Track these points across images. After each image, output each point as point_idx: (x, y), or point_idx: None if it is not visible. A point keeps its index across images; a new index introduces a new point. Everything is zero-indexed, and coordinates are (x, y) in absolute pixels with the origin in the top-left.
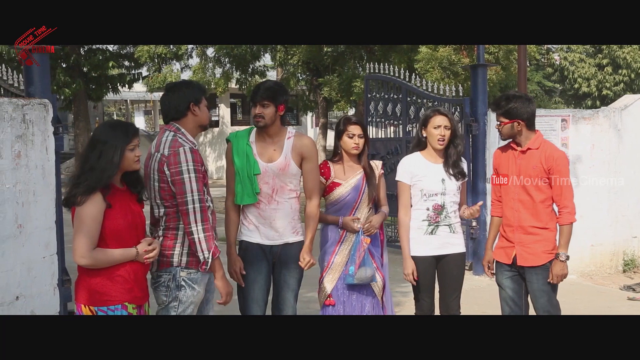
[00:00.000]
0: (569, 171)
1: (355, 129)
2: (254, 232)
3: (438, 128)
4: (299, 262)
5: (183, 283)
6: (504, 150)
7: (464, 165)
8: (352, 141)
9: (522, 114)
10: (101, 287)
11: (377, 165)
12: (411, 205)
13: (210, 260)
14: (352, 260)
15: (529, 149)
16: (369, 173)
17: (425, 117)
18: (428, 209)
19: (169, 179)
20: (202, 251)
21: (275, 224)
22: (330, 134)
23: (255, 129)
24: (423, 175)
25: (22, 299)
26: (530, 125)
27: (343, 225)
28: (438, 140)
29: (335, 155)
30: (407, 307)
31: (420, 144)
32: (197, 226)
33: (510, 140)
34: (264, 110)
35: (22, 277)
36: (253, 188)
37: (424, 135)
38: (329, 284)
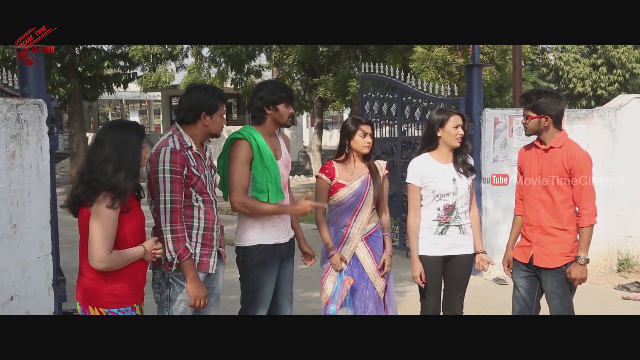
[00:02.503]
0: (591, 172)
1: (367, 128)
2: (271, 232)
3: (458, 127)
4: (310, 258)
5: (171, 281)
6: (528, 148)
7: (472, 161)
8: (365, 140)
9: (551, 110)
10: (112, 290)
11: (381, 165)
12: (421, 206)
13: (175, 261)
14: (333, 300)
15: (551, 147)
16: (375, 173)
17: (442, 117)
18: (439, 209)
19: (150, 178)
20: (169, 252)
21: (288, 220)
22: (326, 134)
23: (254, 129)
24: (434, 177)
25: (17, 299)
26: (557, 123)
27: (331, 260)
28: (457, 138)
29: (341, 154)
30: (401, 306)
31: (430, 145)
32: (166, 226)
33: (536, 138)
34: None
35: (17, 277)
36: (279, 187)
37: (439, 135)
38: (330, 285)
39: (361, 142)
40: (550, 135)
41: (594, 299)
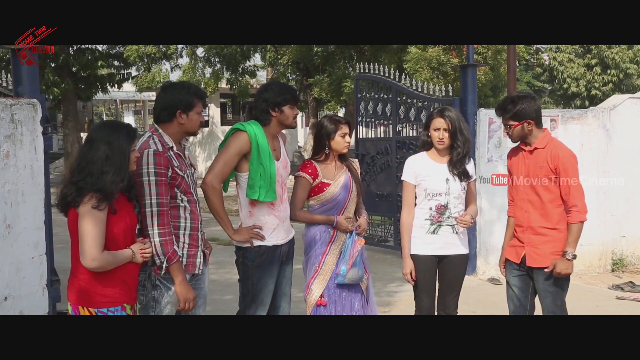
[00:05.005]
0: (577, 169)
1: (346, 128)
2: (271, 234)
3: (437, 131)
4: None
5: (158, 283)
6: (515, 150)
7: (470, 165)
8: (345, 140)
9: (531, 113)
10: (101, 289)
11: (356, 163)
12: (415, 205)
13: (165, 264)
14: (344, 260)
15: (535, 148)
16: (354, 171)
17: (427, 118)
18: (431, 209)
19: (134, 180)
20: (158, 255)
21: (287, 221)
22: None
23: (259, 125)
24: (427, 175)
25: (11, 299)
26: (539, 123)
27: (338, 225)
28: (437, 142)
29: (319, 154)
30: (396, 307)
31: (426, 145)
32: (153, 229)
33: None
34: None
35: (11, 277)
36: (272, 187)
37: (429, 135)
38: (319, 285)
39: (341, 142)
40: (534, 137)
41: (588, 298)
